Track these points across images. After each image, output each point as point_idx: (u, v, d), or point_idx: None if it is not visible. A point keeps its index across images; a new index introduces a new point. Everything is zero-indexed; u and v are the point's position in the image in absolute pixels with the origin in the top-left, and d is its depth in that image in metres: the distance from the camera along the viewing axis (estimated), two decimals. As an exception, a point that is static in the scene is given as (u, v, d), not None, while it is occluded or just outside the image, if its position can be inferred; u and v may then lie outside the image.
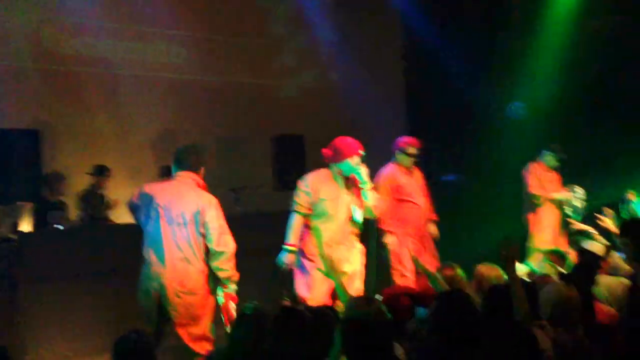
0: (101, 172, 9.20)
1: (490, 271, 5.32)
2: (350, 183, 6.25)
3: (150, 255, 5.47)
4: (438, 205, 8.80)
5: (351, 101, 11.90)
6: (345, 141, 6.23)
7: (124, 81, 10.19)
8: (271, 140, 10.16)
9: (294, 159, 9.67)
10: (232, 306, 5.59)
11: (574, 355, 4.00)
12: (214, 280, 5.60)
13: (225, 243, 5.50)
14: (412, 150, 7.78)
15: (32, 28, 9.49)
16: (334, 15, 11.77)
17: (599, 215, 7.12)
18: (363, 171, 6.14)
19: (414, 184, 7.89)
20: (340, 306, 5.68)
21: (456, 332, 3.59)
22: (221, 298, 5.60)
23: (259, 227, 8.65)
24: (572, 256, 6.50)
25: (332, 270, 5.62)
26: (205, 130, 10.98)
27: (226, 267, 5.53)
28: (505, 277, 5.51)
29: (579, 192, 8.82)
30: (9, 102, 9.14)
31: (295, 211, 6.31)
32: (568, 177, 9.25)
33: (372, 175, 7.37)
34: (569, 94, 10.49)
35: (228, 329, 5.47)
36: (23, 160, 7.40)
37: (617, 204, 8.23)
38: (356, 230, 6.42)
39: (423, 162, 11.90)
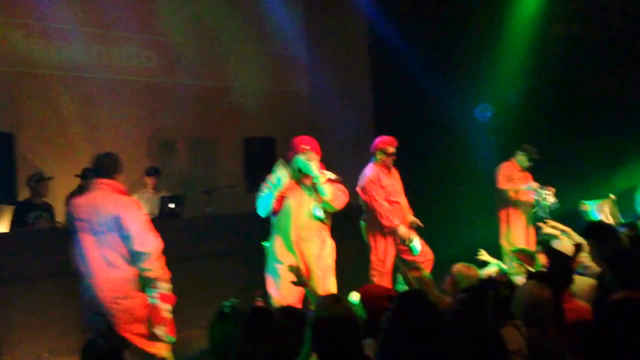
0: (87, 175, 9.22)
1: (467, 270, 5.42)
2: (310, 180, 6.32)
3: (80, 268, 5.52)
4: (411, 206, 8.95)
5: (320, 104, 12.01)
6: (297, 138, 6.35)
7: (96, 84, 10.22)
8: (242, 142, 10.23)
9: (265, 160, 9.73)
10: (165, 307, 5.61)
11: (548, 354, 4.11)
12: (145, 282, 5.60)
13: (146, 243, 5.46)
14: (392, 149, 7.85)
15: (4, 32, 9.46)
16: (302, 19, 11.86)
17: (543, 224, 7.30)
18: (313, 165, 6.20)
19: (395, 183, 7.98)
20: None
21: (414, 330, 3.64)
22: (153, 299, 5.58)
23: (231, 228, 8.79)
24: (541, 255, 6.62)
25: (301, 279, 5.63)
26: (176, 133, 11.07)
27: (151, 267, 5.50)
28: (482, 275, 5.67)
29: (547, 191, 8.91)
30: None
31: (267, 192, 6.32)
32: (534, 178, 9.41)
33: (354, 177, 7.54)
34: (533, 96, 10.69)
35: (158, 330, 5.58)
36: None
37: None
38: (326, 226, 6.49)
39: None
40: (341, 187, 6.46)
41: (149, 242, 5.47)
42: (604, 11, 10.36)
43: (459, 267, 5.50)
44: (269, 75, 12.04)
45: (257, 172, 9.52)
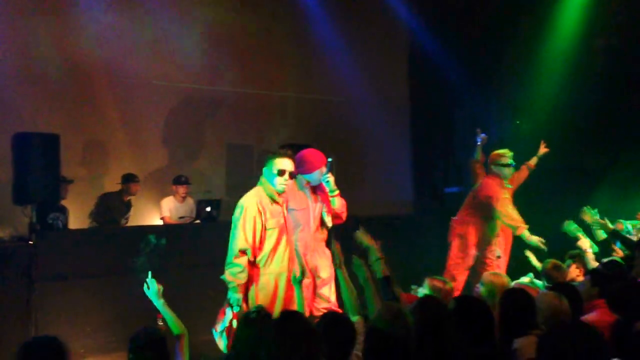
0: (128, 179, 9.60)
1: (496, 279, 5.42)
2: (318, 192, 6.38)
3: None
4: (442, 216, 8.98)
5: (358, 112, 12.06)
6: (313, 153, 6.35)
7: (140, 90, 10.40)
8: (279, 149, 10.33)
9: (302, 168, 9.83)
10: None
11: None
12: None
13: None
14: (505, 160, 8.25)
15: (56, 37, 9.67)
16: (341, 30, 11.92)
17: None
18: (331, 180, 6.27)
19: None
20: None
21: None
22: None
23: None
24: (573, 268, 6.61)
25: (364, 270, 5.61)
26: (216, 138, 11.23)
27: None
28: (511, 284, 5.65)
29: None
30: (32, 107, 9.39)
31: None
32: (566, 191, 9.36)
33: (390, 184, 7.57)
34: (572, 110, 10.62)
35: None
36: (42, 164, 7.56)
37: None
38: (324, 237, 6.52)
39: (426, 174, 12.13)
40: (343, 201, 6.53)
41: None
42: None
43: (488, 277, 5.50)
44: (309, 83, 12.14)
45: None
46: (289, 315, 3.73)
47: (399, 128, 12.41)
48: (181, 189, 9.78)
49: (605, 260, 6.50)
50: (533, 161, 8.95)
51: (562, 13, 11.03)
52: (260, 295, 5.73)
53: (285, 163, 5.88)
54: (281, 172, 5.84)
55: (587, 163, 10.46)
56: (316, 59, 12.13)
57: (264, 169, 5.94)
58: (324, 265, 6.39)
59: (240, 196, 9.74)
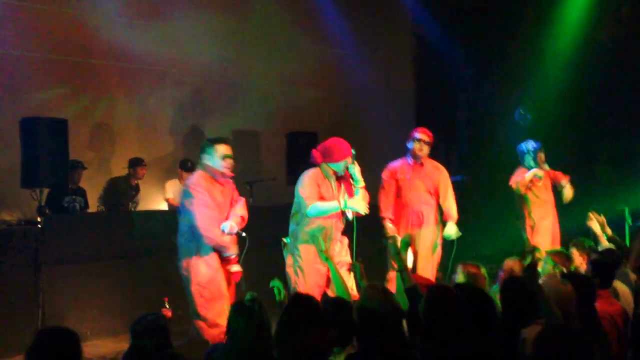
0: (135, 163, 9.70)
1: (518, 265, 5.44)
2: (342, 182, 6.38)
3: None
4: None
5: (363, 103, 12.07)
6: (340, 142, 6.32)
7: (148, 75, 10.45)
8: (285, 136, 10.38)
9: (307, 155, 9.86)
10: None
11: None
12: None
13: None
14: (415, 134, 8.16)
15: (66, 23, 9.70)
16: (348, 19, 11.92)
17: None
18: (357, 170, 6.27)
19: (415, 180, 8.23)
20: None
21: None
22: None
23: (271, 219, 8.93)
24: (575, 255, 6.62)
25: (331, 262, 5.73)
26: (223, 124, 11.23)
27: None
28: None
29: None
30: (41, 92, 9.43)
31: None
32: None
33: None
34: (573, 101, 10.64)
35: None
36: (51, 148, 7.62)
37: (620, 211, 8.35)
38: (343, 226, 6.51)
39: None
40: (366, 193, 6.51)
41: None
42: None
43: (508, 263, 5.51)
44: (314, 73, 12.08)
45: (299, 166, 9.70)
46: (298, 299, 3.76)
47: (404, 116, 12.40)
48: (185, 175, 9.82)
49: (600, 249, 6.56)
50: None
51: (567, 1, 11.04)
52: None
53: (228, 149, 6.15)
54: (226, 157, 6.10)
55: (592, 150, 10.48)
56: (322, 48, 12.11)
57: (205, 155, 6.14)
58: (340, 253, 6.40)
59: (245, 182, 9.93)
